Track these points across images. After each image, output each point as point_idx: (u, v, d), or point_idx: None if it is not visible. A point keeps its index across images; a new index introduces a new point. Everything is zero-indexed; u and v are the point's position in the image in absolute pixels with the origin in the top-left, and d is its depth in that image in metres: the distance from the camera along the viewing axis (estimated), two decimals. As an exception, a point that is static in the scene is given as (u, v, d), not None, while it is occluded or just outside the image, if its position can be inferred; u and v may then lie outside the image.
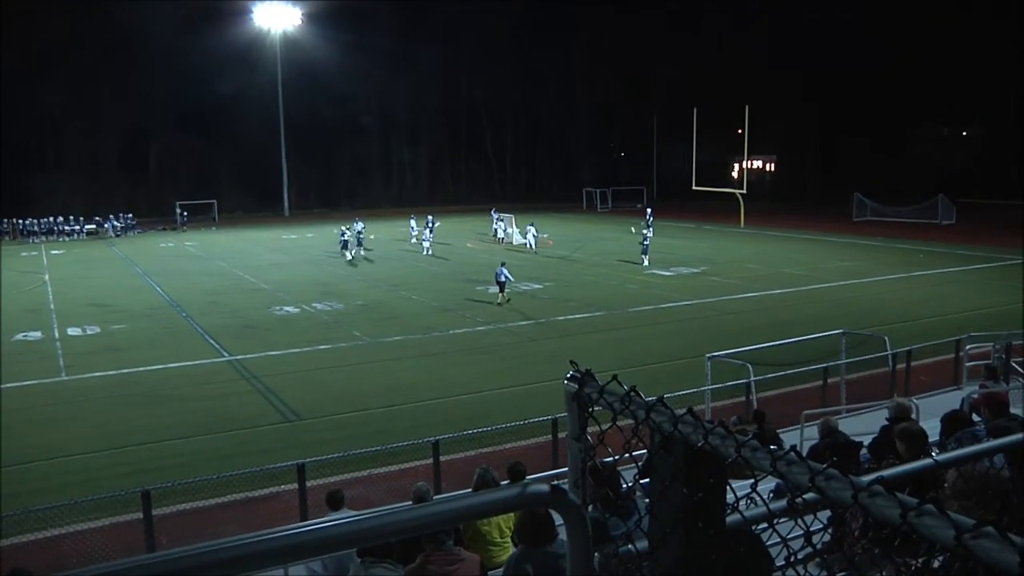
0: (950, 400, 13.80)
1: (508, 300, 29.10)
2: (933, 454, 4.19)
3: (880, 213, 59.32)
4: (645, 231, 40.71)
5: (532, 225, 45.19)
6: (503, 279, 29.25)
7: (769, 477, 1.50)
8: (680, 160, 68.06)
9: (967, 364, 17.12)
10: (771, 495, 1.99)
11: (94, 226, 59.99)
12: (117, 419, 17.20)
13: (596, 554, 1.90)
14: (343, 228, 44.11)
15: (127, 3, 63.51)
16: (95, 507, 11.44)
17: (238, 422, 16.88)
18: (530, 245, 44.08)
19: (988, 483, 3.22)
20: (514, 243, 46.72)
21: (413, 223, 48.76)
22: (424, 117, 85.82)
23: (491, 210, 52.76)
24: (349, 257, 41.89)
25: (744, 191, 57.32)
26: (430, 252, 42.91)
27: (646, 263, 37.22)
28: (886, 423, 8.70)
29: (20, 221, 58.95)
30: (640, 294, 30.57)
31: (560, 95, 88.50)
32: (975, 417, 8.59)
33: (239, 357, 22.20)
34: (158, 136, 75.55)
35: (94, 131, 72.48)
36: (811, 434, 12.00)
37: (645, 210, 57.60)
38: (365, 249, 43.80)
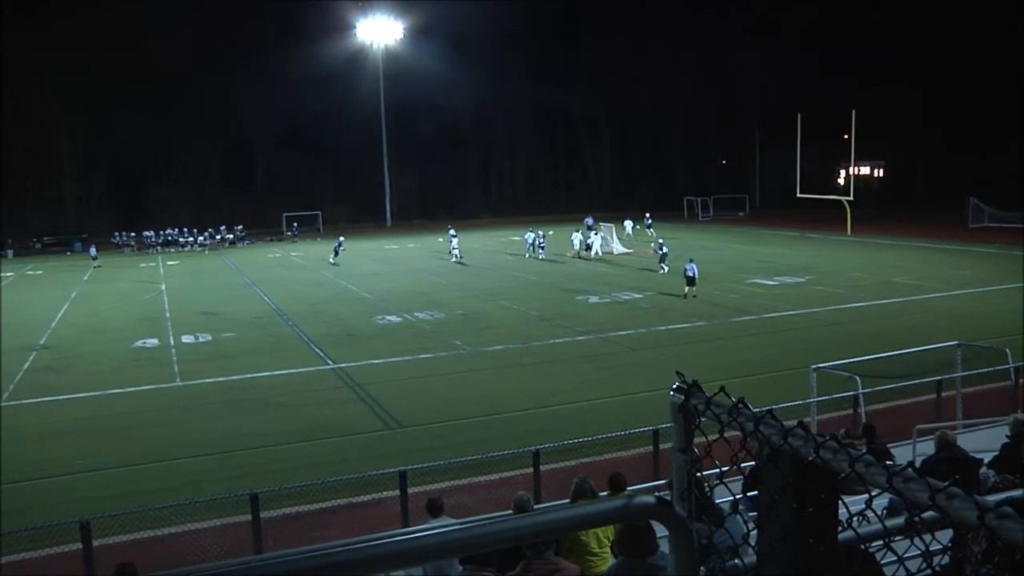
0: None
1: (695, 296, 30.49)
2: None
3: (998, 219, 56.44)
4: (661, 240, 41.64)
5: (599, 234, 47.76)
6: (691, 274, 30.49)
7: (882, 493, 1.45)
8: (783, 167, 66.62)
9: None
10: (884, 512, 1.92)
11: (206, 237, 62.72)
12: (226, 424, 17.84)
13: (702, 568, 1.87)
14: (451, 237, 48.54)
15: (231, 19, 66.13)
16: (207, 508, 11.90)
17: (341, 429, 17.28)
18: (596, 252, 46.02)
19: None
20: (615, 252, 46.95)
21: (529, 235, 48.86)
22: (521, 128, 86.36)
23: (586, 219, 52.95)
24: (332, 260, 47.52)
25: (851, 198, 55.62)
26: (541, 256, 46.48)
27: (665, 270, 37.67)
28: (1007, 440, 8.30)
29: (146, 234, 62.26)
30: (742, 304, 29.97)
31: (658, 102, 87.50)
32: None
33: (342, 365, 22.73)
34: (263, 150, 78.33)
35: (202, 146, 75.81)
36: (923, 449, 11.50)
37: (644, 215, 60.06)
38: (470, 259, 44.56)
